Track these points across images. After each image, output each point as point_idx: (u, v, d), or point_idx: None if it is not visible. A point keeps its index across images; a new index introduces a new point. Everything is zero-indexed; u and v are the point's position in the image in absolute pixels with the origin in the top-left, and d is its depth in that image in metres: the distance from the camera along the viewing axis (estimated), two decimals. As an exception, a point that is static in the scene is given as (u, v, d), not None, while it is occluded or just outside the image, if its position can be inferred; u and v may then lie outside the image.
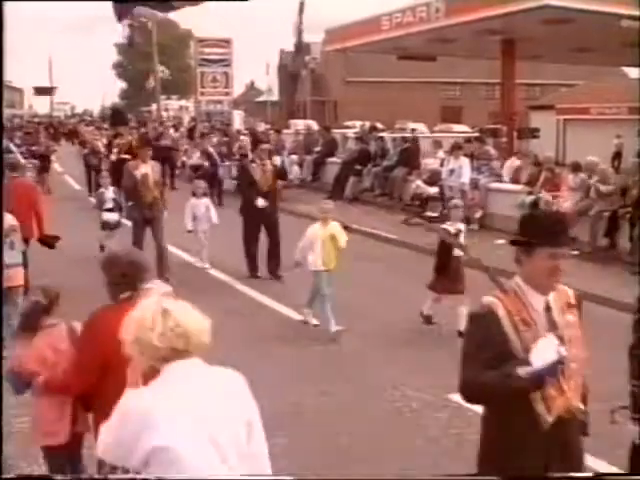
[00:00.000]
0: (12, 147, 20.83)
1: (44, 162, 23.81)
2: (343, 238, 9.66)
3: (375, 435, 6.61)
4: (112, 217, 13.92)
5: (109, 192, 14.18)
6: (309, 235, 9.72)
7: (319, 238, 9.57)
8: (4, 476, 5.14)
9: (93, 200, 21.53)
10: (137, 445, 2.95)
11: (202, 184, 14.02)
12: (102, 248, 13.37)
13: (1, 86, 7.45)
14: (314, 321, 9.78)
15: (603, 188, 14.06)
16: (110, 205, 14.00)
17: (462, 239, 9.76)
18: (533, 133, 24.13)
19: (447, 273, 9.53)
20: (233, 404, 3.38)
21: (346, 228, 16.66)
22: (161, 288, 4.28)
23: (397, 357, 8.64)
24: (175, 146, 27.92)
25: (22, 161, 18.85)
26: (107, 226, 13.92)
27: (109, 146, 22.27)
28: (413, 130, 28.77)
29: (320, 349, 8.99)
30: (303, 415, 7.03)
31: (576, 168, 15.15)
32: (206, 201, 13.56)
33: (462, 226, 10.07)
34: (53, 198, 20.31)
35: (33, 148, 23.10)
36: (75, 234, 14.04)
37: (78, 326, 4.84)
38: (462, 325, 8.27)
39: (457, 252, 9.40)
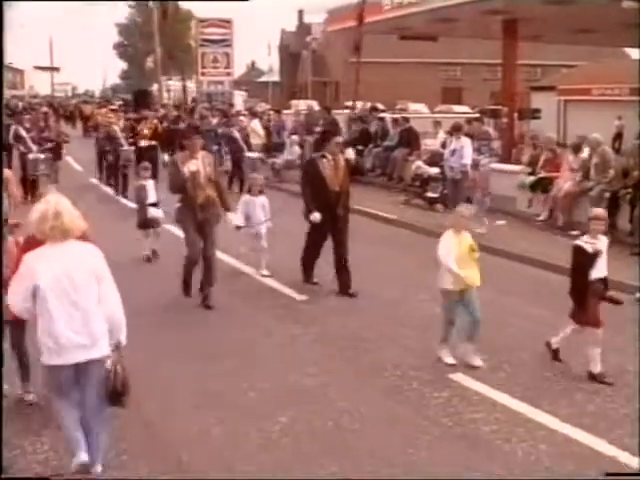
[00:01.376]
0: (22, 132, 18.83)
1: (56, 150, 20.70)
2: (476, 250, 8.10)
3: (376, 414, 6.66)
4: (157, 213, 12.46)
5: (150, 185, 12.73)
6: (445, 246, 7.88)
7: (454, 250, 7.81)
8: (4, 476, 5.18)
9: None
10: (27, 286, 5.10)
11: (259, 180, 12.03)
12: (151, 256, 12.40)
13: (1, 83, 7.53)
14: (451, 360, 7.91)
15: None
16: (154, 199, 12.53)
17: (604, 259, 7.76)
18: (534, 114, 24.08)
19: (585, 300, 7.63)
20: (88, 261, 5.27)
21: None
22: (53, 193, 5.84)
23: (398, 337, 8.67)
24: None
25: (33, 147, 18.48)
26: (151, 224, 12.42)
27: (133, 131, 19.99)
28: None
29: (320, 329, 9.03)
30: (304, 395, 7.07)
31: (577, 149, 15.14)
32: (263, 199, 11.64)
33: (604, 242, 7.83)
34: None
35: (44, 134, 20.02)
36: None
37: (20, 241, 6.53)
38: (596, 367, 7.49)
39: (596, 273, 7.69)
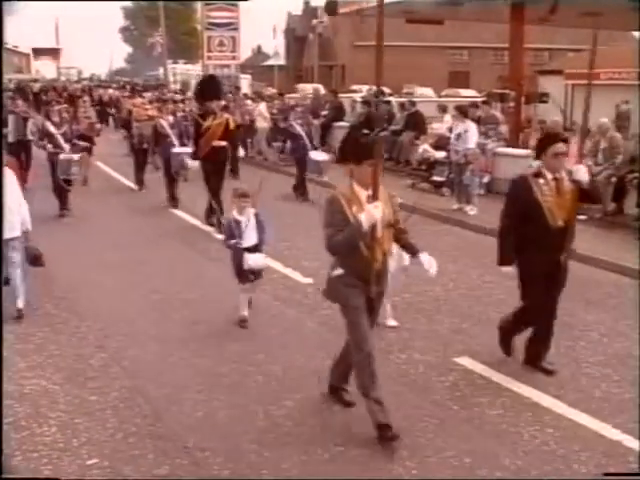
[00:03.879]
0: (51, 128, 14.99)
1: (89, 147, 17.45)
2: None
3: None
4: (258, 261, 8.59)
5: (244, 218, 8.56)
6: None
7: None
8: (4, 476, 5.20)
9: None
10: None
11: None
12: (246, 319, 8.61)
13: (1, 78, 7.76)
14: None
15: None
16: (253, 240, 8.58)
17: None
18: (542, 98, 23.97)
19: None
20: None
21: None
22: None
23: (403, 321, 8.67)
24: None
25: (66, 147, 14.85)
26: (249, 277, 8.66)
27: (198, 128, 13.82)
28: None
29: (326, 313, 9.03)
30: (310, 378, 7.08)
31: (585, 133, 15.07)
32: None
33: None
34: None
35: (73, 127, 16.24)
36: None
37: None
38: None
39: None
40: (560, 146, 6.99)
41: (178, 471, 5.48)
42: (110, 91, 39.81)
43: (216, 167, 13.41)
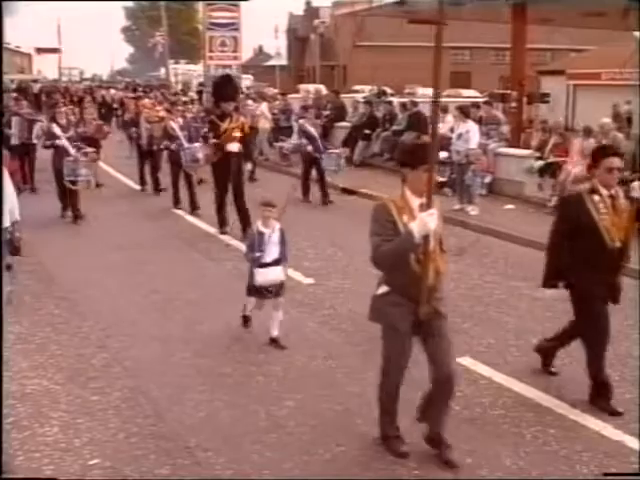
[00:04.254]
0: (57, 130, 14.30)
1: (96, 150, 16.34)
2: None
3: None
4: (269, 276, 7.94)
5: (269, 230, 7.93)
6: None
7: None
8: (4, 476, 5.21)
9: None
10: None
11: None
12: (249, 318, 8.38)
13: (1, 77, 7.76)
14: None
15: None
16: (275, 254, 7.96)
17: None
18: (543, 98, 23.97)
19: None
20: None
21: (354, 193, 16.84)
22: None
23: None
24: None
25: (72, 151, 14.13)
26: (259, 294, 8.10)
27: (216, 131, 12.99)
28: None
29: (327, 313, 9.05)
30: (311, 378, 7.09)
31: (587, 133, 15.11)
32: None
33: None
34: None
35: (80, 129, 15.86)
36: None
37: None
38: None
39: None
40: (614, 160, 6.47)
41: (180, 471, 5.48)
42: (112, 92, 38.91)
43: (230, 172, 12.87)
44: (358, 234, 10.81)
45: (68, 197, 14.26)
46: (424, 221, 5.17)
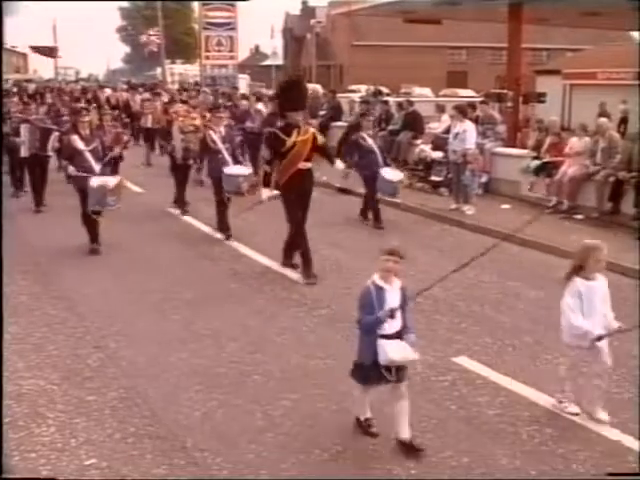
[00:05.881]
0: (80, 144, 11.75)
1: (115, 163, 14.38)
2: None
3: (380, 398, 6.66)
4: (406, 352, 5.77)
5: (389, 287, 5.83)
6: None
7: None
8: (4, 476, 5.20)
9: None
10: None
11: None
12: (365, 424, 6.08)
13: (0, 79, 7.59)
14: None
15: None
16: (396, 325, 5.81)
17: None
18: (539, 98, 23.97)
19: None
20: None
21: (350, 192, 16.83)
22: None
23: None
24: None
25: (96, 167, 11.77)
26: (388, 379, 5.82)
27: (279, 147, 10.42)
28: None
29: (324, 312, 9.04)
30: (307, 378, 7.08)
31: (583, 130, 15.15)
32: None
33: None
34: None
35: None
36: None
37: None
38: None
39: None
40: None
41: (176, 471, 5.48)
42: (108, 92, 35.15)
43: (302, 196, 10.63)
44: (355, 233, 10.83)
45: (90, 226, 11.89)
46: None
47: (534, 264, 11.45)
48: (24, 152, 15.46)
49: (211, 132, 13.19)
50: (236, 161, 13.13)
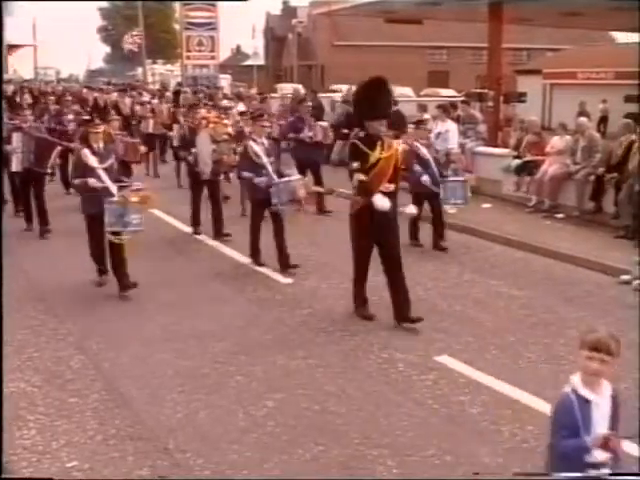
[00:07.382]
0: (90, 158, 9.62)
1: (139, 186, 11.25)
2: None
3: (362, 397, 6.67)
4: None
5: (598, 397, 3.88)
6: None
7: None
8: (4, 476, 5.17)
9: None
10: None
11: None
12: None
13: (1, 79, 7.35)
14: None
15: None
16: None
17: None
18: (520, 97, 24.08)
19: None
20: None
21: (331, 192, 16.80)
22: None
23: (383, 320, 8.67)
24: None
25: (113, 187, 9.50)
26: None
27: (363, 163, 8.60)
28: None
29: (307, 312, 9.04)
30: (290, 378, 7.08)
31: (563, 128, 15.23)
32: None
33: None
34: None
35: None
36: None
37: None
38: None
39: None
40: None
41: (159, 472, 5.45)
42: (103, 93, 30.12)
43: (383, 224, 8.58)
44: (336, 233, 10.81)
45: (107, 256, 9.86)
46: None
47: (516, 263, 11.49)
48: (16, 166, 12.75)
49: (252, 143, 11.03)
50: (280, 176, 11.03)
